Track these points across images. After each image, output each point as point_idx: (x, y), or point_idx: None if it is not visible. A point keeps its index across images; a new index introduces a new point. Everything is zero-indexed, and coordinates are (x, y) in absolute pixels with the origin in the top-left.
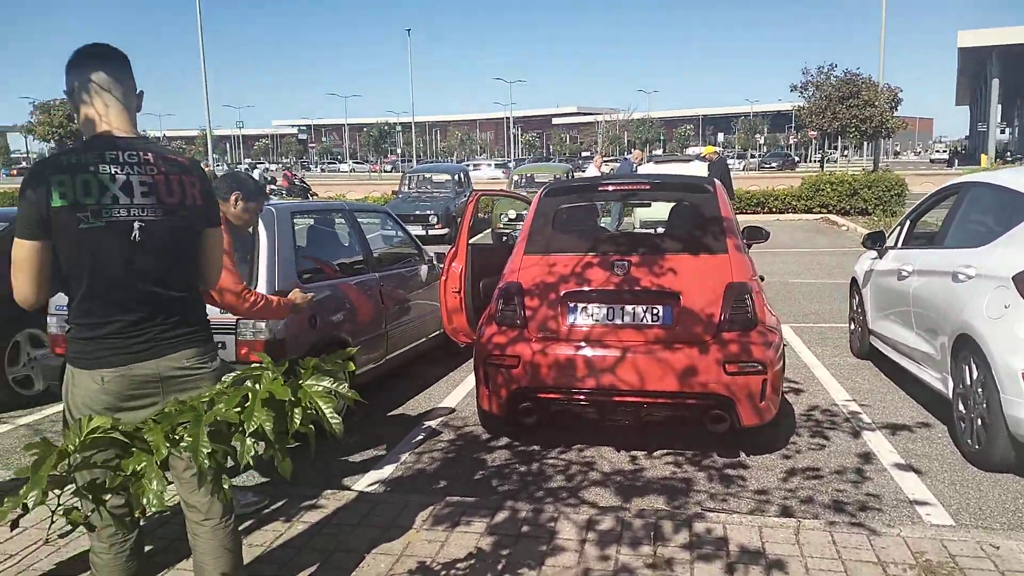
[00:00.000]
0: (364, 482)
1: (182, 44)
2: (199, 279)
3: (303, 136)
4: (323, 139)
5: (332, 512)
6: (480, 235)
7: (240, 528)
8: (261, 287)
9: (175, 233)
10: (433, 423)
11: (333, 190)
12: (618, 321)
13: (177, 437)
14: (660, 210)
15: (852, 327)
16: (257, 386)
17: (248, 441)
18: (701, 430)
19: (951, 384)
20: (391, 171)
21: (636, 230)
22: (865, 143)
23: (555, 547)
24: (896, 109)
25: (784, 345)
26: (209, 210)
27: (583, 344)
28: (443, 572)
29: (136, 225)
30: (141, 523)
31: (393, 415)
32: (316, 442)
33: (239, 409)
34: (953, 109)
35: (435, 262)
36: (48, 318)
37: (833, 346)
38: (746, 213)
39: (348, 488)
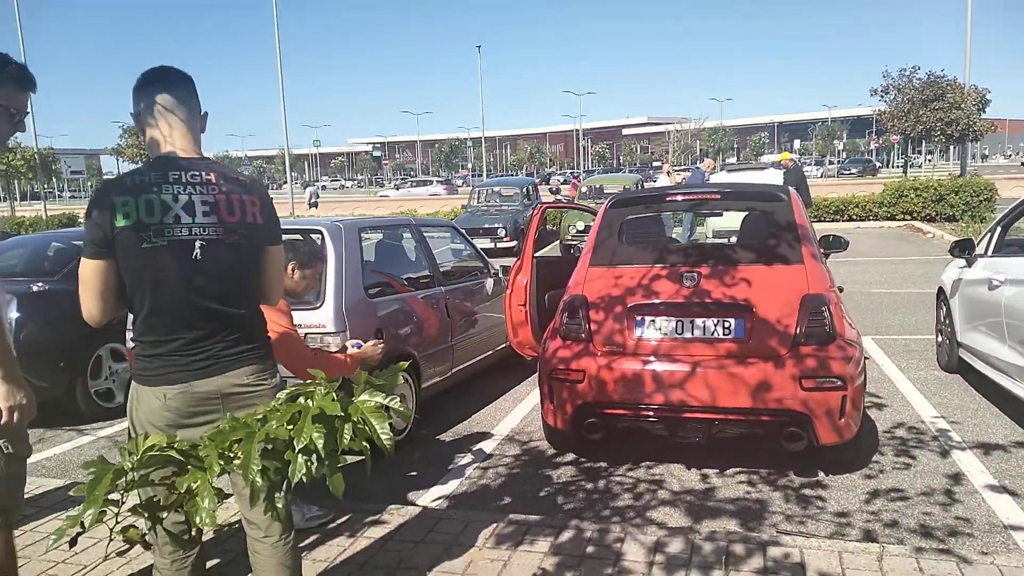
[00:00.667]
0: (428, 497)
1: (262, 67)
2: (260, 297)
3: (377, 153)
4: (396, 156)
5: (395, 528)
6: (549, 247)
7: (304, 543)
8: (328, 303)
9: (236, 251)
10: (498, 438)
11: (406, 206)
12: (687, 335)
13: (231, 455)
14: (733, 220)
15: (939, 339)
16: (309, 402)
17: (300, 458)
18: (777, 448)
19: None
20: (462, 186)
21: (707, 240)
22: (951, 147)
23: (621, 569)
24: (984, 111)
25: (865, 359)
26: (269, 228)
27: (651, 358)
28: None
29: (197, 244)
30: (203, 539)
31: (459, 429)
32: (381, 458)
33: (291, 426)
34: None
35: (500, 275)
36: (127, 333)
37: (919, 359)
38: (824, 221)
39: (412, 503)
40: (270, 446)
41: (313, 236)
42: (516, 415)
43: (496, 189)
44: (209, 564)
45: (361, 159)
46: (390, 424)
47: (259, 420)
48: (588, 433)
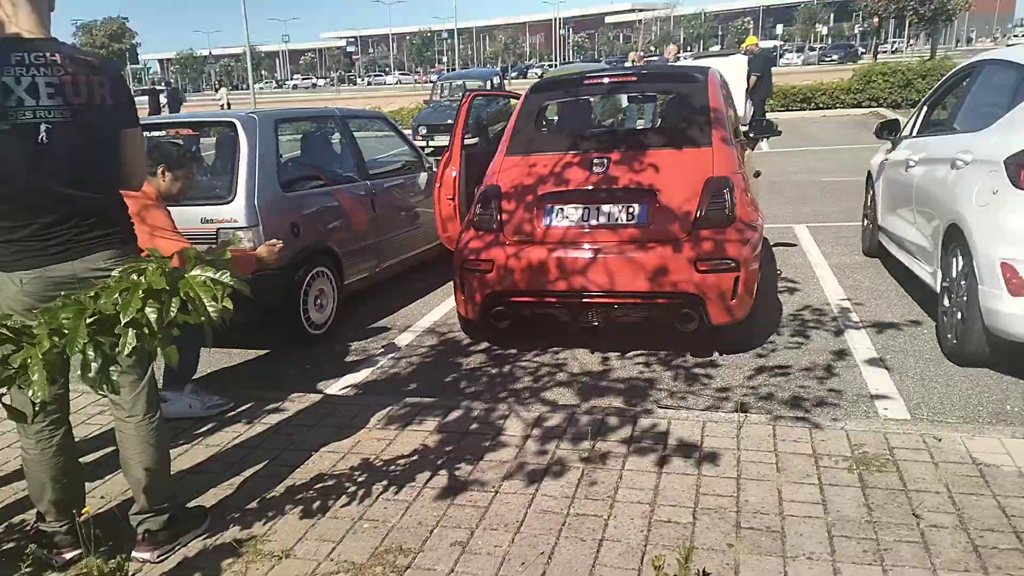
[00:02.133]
0: (337, 386)
1: None
2: (120, 182)
3: (350, 49)
4: (370, 50)
5: (292, 414)
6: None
7: (201, 430)
8: (240, 197)
9: (84, 134)
10: (418, 331)
11: (372, 103)
12: (593, 222)
13: (66, 331)
14: None
15: (864, 224)
16: (141, 279)
17: (129, 332)
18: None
19: (940, 277)
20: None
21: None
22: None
23: (498, 443)
24: None
25: (769, 244)
26: (122, 110)
27: (556, 247)
28: (383, 468)
29: (43, 127)
30: (70, 425)
31: (382, 323)
32: (298, 350)
33: (117, 300)
34: None
35: (435, 169)
36: None
37: (845, 244)
38: (791, 110)
39: (318, 392)
40: (104, 322)
41: (227, 128)
42: (441, 309)
43: (460, 83)
44: (92, 457)
45: (332, 54)
46: (230, 298)
47: (92, 297)
48: (496, 321)
